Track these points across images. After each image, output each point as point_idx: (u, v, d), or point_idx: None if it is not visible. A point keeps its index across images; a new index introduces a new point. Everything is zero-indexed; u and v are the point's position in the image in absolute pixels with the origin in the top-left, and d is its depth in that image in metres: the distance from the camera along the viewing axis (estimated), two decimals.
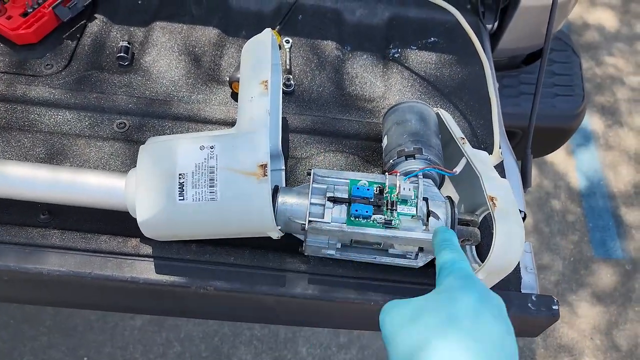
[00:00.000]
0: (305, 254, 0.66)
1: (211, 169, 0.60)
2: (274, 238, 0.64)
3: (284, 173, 0.72)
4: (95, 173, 0.66)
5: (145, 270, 0.66)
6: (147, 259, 0.67)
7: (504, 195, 0.63)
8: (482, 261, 0.67)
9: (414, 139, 0.68)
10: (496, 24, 1.02)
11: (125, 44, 0.84)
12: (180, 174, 0.61)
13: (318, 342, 1.58)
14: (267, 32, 0.67)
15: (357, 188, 0.64)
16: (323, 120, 0.81)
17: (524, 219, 0.77)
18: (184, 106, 0.80)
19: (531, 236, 1.90)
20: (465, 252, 0.69)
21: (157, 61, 0.84)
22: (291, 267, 0.68)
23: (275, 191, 0.66)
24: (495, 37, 1.05)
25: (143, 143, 0.75)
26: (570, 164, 2.08)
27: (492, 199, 0.62)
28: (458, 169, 0.67)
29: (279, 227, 0.64)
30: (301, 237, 0.66)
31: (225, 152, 0.61)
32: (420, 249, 0.65)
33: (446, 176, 0.69)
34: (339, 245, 0.66)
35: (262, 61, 0.65)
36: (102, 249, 0.67)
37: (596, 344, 1.75)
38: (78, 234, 0.68)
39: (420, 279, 0.68)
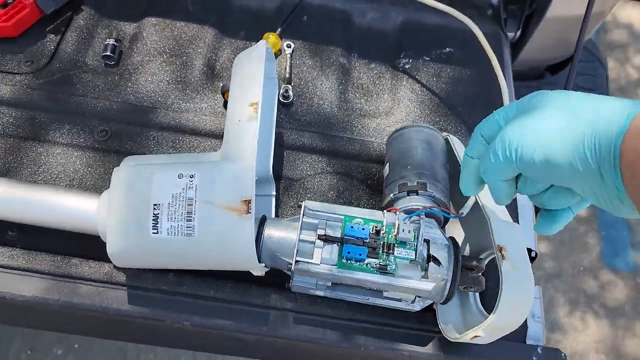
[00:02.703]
0: (292, 291, 0.60)
1: (189, 201, 0.54)
2: (255, 275, 0.58)
3: (274, 200, 0.66)
4: (66, 192, 0.61)
5: (117, 300, 0.61)
6: (119, 287, 0.61)
7: (514, 245, 0.56)
8: (487, 309, 0.61)
9: (418, 172, 0.62)
10: (519, 32, 0.94)
11: (112, 41, 0.77)
12: (155, 205, 0.55)
13: None
14: (262, 44, 0.60)
15: (352, 227, 0.58)
16: (322, 138, 0.74)
17: (535, 257, 0.71)
18: (172, 115, 0.73)
19: (540, 242, 1.84)
20: (467, 299, 0.63)
21: (145, 62, 0.77)
22: (276, 304, 0.62)
23: (262, 222, 0.60)
24: (517, 46, 0.97)
25: (124, 154, 0.69)
26: None
27: (500, 249, 0.55)
28: (465, 210, 0.60)
29: (263, 265, 0.58)
30: (288, 273, 0.60)
31: (206, 183, 0.55)
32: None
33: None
34: (329, 284, 0.60)
35: (253, 79, 0.59)
36: (71, 273, 0.62)
37: (601, 359, 1.70)
38: (47, 256, 0.63)
39: (417, 325, 0.63)
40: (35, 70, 0.75)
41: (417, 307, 0.61)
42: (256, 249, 0.58)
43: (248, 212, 0.53)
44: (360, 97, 0.79)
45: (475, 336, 0.56)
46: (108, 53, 0.76)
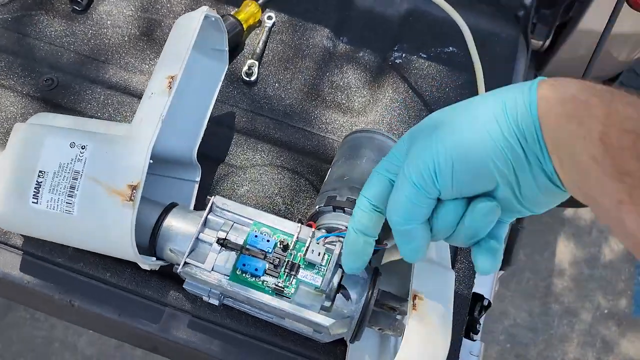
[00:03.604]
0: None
1: (75, 174, 0.48)
2: (142, 267, 0.52)
3: (196, 187, 0.59)
4: None
5: (8, 264, 0.57)
6: (14, 250, 0.57)
7: (437, 294, 0.47)
8: None
9: (353, 186, 0.53)
10: (548, 41, 0.81)
11: None
12: (40, 172, 0.49)
13: None
14: (200, 11, 0.53)
15: (256, 235, 0.50)
16: (278, 126, 0.66)
17: (487, 307, 0.61)
18: (124, 75, 0.67)
19: (563, 275, 1.68)
20: (387, 342, 0.55)
21: (114, 14, 0.71)
22: (173, 302, 0.56)
23: (168, 210, 0.53)
24: (545, 55, 0.85)
25: (64, 109, 0.64)
26: None
27: (415, 297, 0.46)
28: (391, 243, 0.51)
29: (155, 258, 0.52)
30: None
31: (96, 158, 0.48)
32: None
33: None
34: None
35: (178, 49, 0.51)
36: None
37: None
38: None
39: (323, 357, 0.55)
40: None
41: (326, 338, 0.53)
42: (153, 239, 0.52)
43: (131, 199, 0.47)
44: (336, 88, 0.70)
45: None
46: None
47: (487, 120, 0.36)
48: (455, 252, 0.60)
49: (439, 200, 0.39)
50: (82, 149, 0.49)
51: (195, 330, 0.55)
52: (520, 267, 1.66)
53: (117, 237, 0.48)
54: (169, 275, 0.57)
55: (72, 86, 0.66)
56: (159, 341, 0.57)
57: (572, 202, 1.06)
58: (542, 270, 1.69)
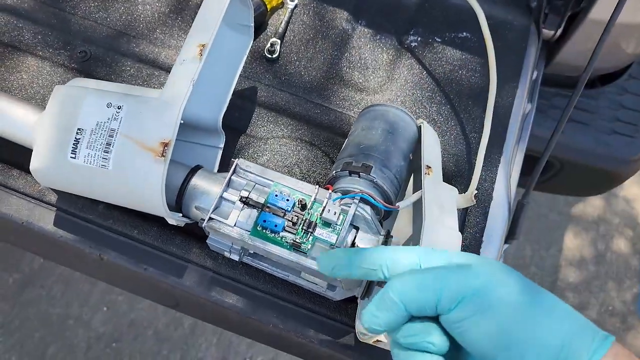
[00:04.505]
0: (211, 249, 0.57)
1: (111, 132, 0.52)
2: (170, 223, 0.56)
3: (219, 153, 0.63)
4: (16, 101, 0.60)
5: (43, 219, 0.61)
6: (49, 206, 0.61)
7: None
8: None
9: (368, 154, 0.56)
10: (559, 31, 0.84)
11: None
12: (79, 129, 0.53)
13: None
14: None
15: (276, 195, 0.54)
16: (298, 101, 0.70)
17: None
18: (154, 49, 0.71)
19: (570, 269, 1.71)
20: None
21: None
22: (196, 259, 0.60)
23: (194, 171, 0.57)
24: (556, 46, 0.87)
25: (97, 79, 0.68)
26: None
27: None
28: (403, 204, 0.55)
29: (180, 215, 0.56)
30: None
31: (131, 117, 0.52)
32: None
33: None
34: (251, 250, 0.56)
35: (209, 20, 0.55)
36: (7, 183, 0.62)
37: None
38: None
39: (334, 314, 0.58)
40: None
41: (338, 296, 0.57)
42: (179, 197, 0.56)
43: (162, 155, 0.50)
44: (354, 68, 0.73)
45: (378, 340, 0.51)
46: None
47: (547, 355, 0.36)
48: (463, 221, 0.63)
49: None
50: (118, 109, 0.53)
51: (215, 285, 0.59)
52: (527, 262, 1.69)
53: (148, 192, 0.51)
54: (193, 234, 0.61)
55: (104, 59, 0.70)
56: (181, 296, 0.61)
57: (580, 191, 1.07)
58: (549, 265, 1.71)
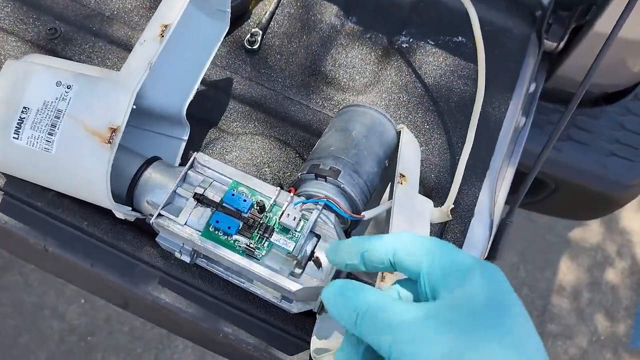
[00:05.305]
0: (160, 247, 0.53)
1: (58, 113, 0.48)
2: (119, 217, 0.51)
3: (183, 145, 0.59)
4: None
5: None
6: None
7: None
8: None
9: (338, 156, 0.52)
10: (562, 43, 0.80)
11: None
12: (24, 108, 0.49)
13: None
14: None
15: (233, 194, 0.49)
16: (275, 97, 0.65)
17: None
18: (128, 32, 0.67)
19: (562, 296, 1.65)
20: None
21: None
22: (147, 258, 0.55)
23: (150, 162, 0.53)
24: (558, 59, 0.83)
25: (64, 58, 0.64)
26: None
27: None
28: (370, 214, 0.50)
29: (131, 208, 0.51)
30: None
31: (80, 98, 0.48)
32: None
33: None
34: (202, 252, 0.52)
35: (177, 1, 0.51)
36: None
37: None
38: None
39: (291, 328, 0.54)
40: None
41: (295, 308, 0.52)
42: (131, 189, 0.51)
43: (109, 141, 0.46)
44: (339, 66, 0.69)
45: None
46: None
47: None
48: (439, 237, 0.58)
49: None
50: (68, 88, 0.48)
51: (165, 287, 0.54)
52: (520, 283, 1.64)
53: (93, 180, 0.47)
54: (146, 232, 0.56)
55: (75, 38, 0.66)
56: (129, 296, 0.56)
57: (575, 214, 1.02)
58: (542, 288, 1.66)
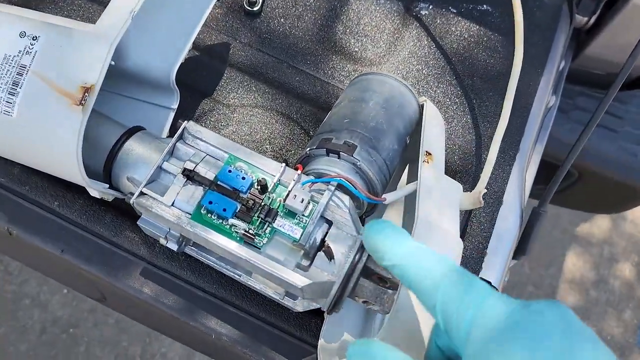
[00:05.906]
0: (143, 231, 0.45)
1: (21, 69, 0.40)
2: (94, 196, 0.44)
3: (172, 115, 0.51)
4: None
5: None
6: None
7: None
8: None
9: (353, 130, 0.44)
10: (594, 18, 0.72)
11: None
12: None
13: None
14: None
15: (230, 171, 0.42)
16: (278, 65, 0.58)
17: None
18: None
19: (569, 293, 1.59)
20: (372, 320, 0.46)
21: None
22: (127, 244, 0.48)
23: (132, 132, 0.45)
24: (588, 36, 0.76)
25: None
26: None
27: None
28: (392, 197, 0.43)
29: (108, 186, 0.44)
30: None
31: (48, 52, 0.40)
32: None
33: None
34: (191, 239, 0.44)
35: None
36: None
37: None
38: None
39: (294, 329, 0.46)
40: None
41: (299, 307, 0.44)
42: (109, 163, 0.44)
43: (81, 103, 0.38)
44: (350, 34, 0.61)
45: None
46: None
47: None
48: (464, 226, 0.51)
49: None
50: (34, 40, 0.40)
51: (148, 279, 0.47)
52: (524, 280, 1.57)
53: (61, 150, 0.39)
54: (126, 213, 0.48)
55: None
56: (106, 288, 0.49)
57: (597, 207, 0.95)
58: (546, 285, 1.59)
